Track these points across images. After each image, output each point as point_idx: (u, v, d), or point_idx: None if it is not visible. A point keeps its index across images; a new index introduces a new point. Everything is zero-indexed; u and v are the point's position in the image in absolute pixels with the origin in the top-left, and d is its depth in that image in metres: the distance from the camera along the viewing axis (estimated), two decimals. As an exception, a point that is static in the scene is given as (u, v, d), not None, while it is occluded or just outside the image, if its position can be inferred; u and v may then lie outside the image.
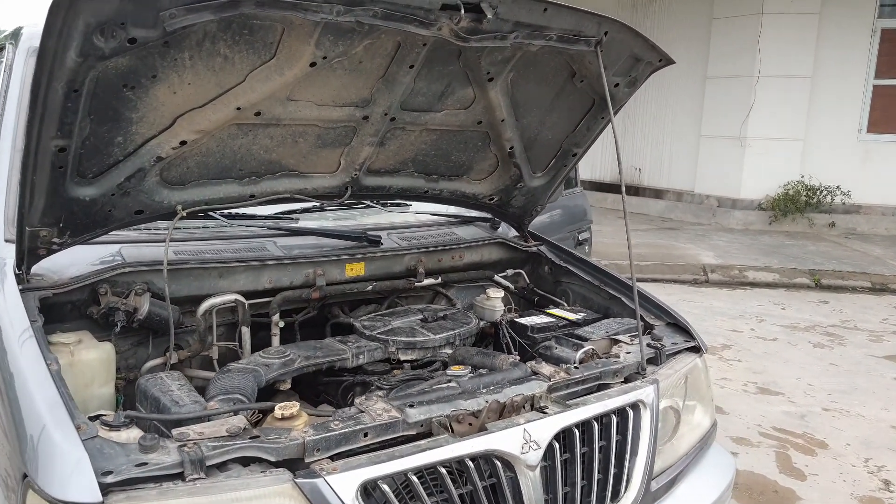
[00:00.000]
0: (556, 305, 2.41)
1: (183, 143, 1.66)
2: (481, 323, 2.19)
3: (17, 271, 1.68)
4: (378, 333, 1.97)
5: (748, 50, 9.83)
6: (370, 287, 2.19)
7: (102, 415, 1.38)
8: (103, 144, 1.55)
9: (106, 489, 1.13)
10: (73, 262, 1.77)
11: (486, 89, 1.94)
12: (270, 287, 2.00)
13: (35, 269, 1.71)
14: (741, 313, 6.17)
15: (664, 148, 11.50)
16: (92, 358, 1.65)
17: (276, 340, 2.02)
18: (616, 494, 1.63)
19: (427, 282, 2.29)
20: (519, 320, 2.16)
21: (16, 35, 2.39)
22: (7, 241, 1.83)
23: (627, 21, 1.83)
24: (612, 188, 12.10)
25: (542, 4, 1.67)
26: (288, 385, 1.83)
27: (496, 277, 2.50)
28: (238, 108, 1.64)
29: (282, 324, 2.02)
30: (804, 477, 3.30)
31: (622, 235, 9.34)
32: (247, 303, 1.93)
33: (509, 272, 2.55)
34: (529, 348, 2.07)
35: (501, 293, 2.31)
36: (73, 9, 1.22)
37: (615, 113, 2.19)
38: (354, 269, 2.13)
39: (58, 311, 1.71)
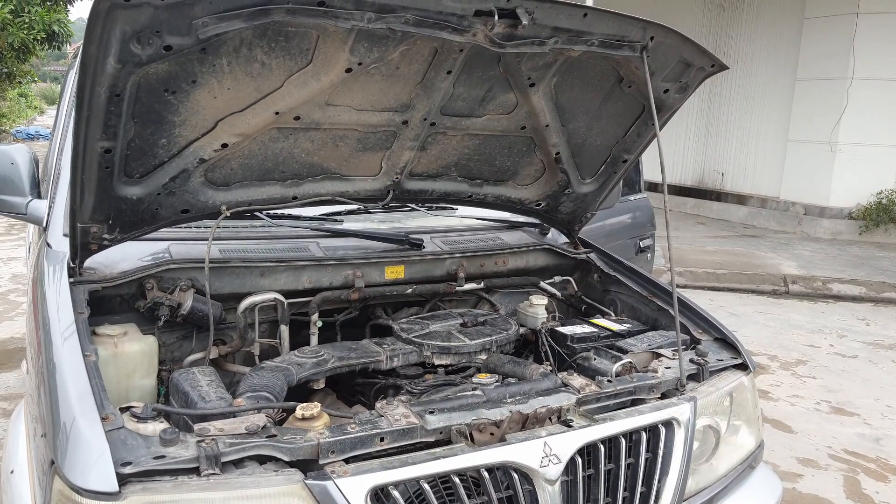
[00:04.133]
0: (603, 315, 2.34)
1: (224, 145, 1.71)
2: (522, 330, 2.16)
3: (70, 265, 1.78)
4: (414, 337, 1.97)
5: (842, 51, 9.28)
6: (410, 290, 2.20)
7: (133, 406, 1.44)
8: (148, 146, 1.62)
9: (124, 479, 1.17)
10: (125, 257, 1.87)
11: (528, 94, 1.91)
12: (310, 287, 2.04)
13: (90, 262, 1.81)
14: (821, 328, 5.83)
15: (749, 152, 11.01)
16: (134, 350, 1.73)
17: (314, 339, 2.05)
18: (642, 513, 1.57)
19: (468, 286, 2.28)
20: (559, 329, 2.12)
21: None
22: (65, 235, 1.95)
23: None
24: (693, 192, 11.70)
25: (581, 9, 1.63)
26: (322, 384, 1.86)
27: (542, 284, 2.46)
28: (277, 113, 1.68)
29: (320, 323, 2.06)
30: (873, 505, 3.10)
31: (700, 241, 9.02)
32: (286, 302, 1.97)
33: (557, 279, 2.51)
34: (567, 358, 2.03)
35: (545, 300, 2.27)
36: (110, 17, 1.29)
37: (667, 119, 2.12)
38: (394, 272, 2.15)
39: (108, 304, 1.81)
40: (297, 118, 1.74)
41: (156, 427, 1.35)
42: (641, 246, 3.95)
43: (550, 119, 2.02)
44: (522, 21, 1.56)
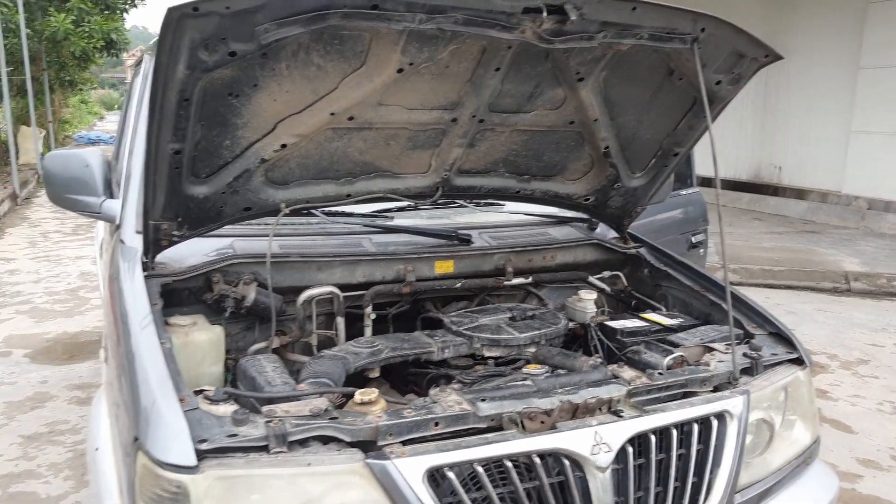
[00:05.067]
0: (654, 310, 2.34)
1: (284, 146, 1.79)
2: (571, 324, 2.19)
3: (143, 259, 1.90)
4: (464, 329, 2.02)
5: (909, 36, 8.91)
6: (458, 284, 2.25)
7: (205, 390, 1.53)
8: (213, 147, 1.72)
9: (201, 455, 1.27)
10: (192, 252, 1.97)
11: (576, 89, 1.94)
12: (364, 281, 2.12)
13: (161, 258, 1.93)
14: (885, 326, 5.63)
15: (808, 144, 10.66)
16: (203, 339, 1.83)
17: (368, 331, 2.13)
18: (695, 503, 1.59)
19: (516, 281, 2.32)
20: (609, 323, 2.13)
21: (153, 47, 2.67)
22: (137, 232, 2.07)
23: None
24: (748, 187, 11.40)
25: (630, 3, 1.65)
26: (376, 373, 1.93)
27: (590, 279, 2.48)
28: (332, 114, 1.76)
29: (373, 315, 2.13)
30: (940, 508, 3.01)
31: (756, 238, 8.79)
32: (342, 295, 2.05)
33: (606, 274, 2.52)
34: (618, 352, 2.04)
35: (594, 295, 2.29)
36: (180, 27, 1.38)
37: (720, 111, 2.11)
38: (443, 267, 2.20)
39: (177, 297, 1.92)
40: (350, 118, 1.81)
41: (227, 409, 1.44)
42: (693, 241, 3.90)
43: (599, 113, 2.04)
44: (570, 17, 1.58)
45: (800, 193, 10.75)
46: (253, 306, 1.96)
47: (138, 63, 4.07)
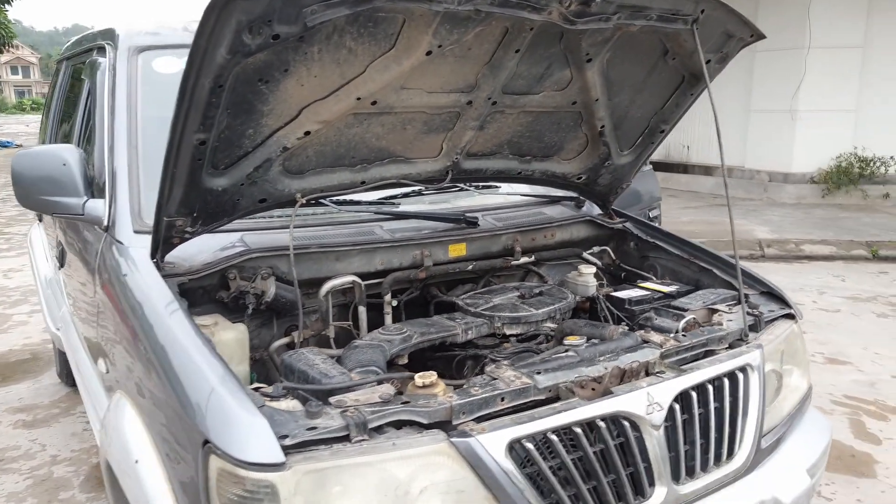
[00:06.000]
0: (645, 280, 2.46)
1: (307, 133, 1.75)
2: (577, 298, 2.26)
3: (152, 259, 1.81)
4: (483, 310, 2.05)
5: (798, 21, 9.62)
6: (470, 266, 2.28)
7: (259, 387, 1.49)
8: (236, 137, 1.66)
9: (285, 451, 1.23)
10: (202, 249, 1.89)
11: (583, 70, 2.00)
12: (382, 268, 2.10)
13: (168, 257, 1.84)
14: (801, 286, 6.11)
15: (712, 124, 11.29)
16: (230, 338, 1.77)
17: (388, 319, 2.12)
18: (731, 452, 1.70)
19: (523, 260, 2.37)
20: (614, 294, 2.22)
21: (109, 36, 2.51)
22: (136, 231, 1.97)
23: None
24: (661, 167, 11.88)
25: None
26: (405, 360, 1.92)
27: (584, 254, 2.56)
28: (358, 98, 1.73)
29: (394, 302, 2.12)
30: (879, 441, 3.34)
31: (675, 213, 9.27)
32: (363, 284, 2.03)
33: (595, 249, 2.61)
34: (628, 320, 2.13)
35: (593, 269, 2.37)
36: (228, 8, 1.32)
37: (703, 90, 2.24)
38: (456, 250, 2.22)
39: (190, 297, 1.83)
40: (374, 103, 1.79)
41: (288, 404, 1.41)
42: (650, 216, 4.09)
43: (600, 93, 2.12)
44: None
45: (707, 170, 11.42)
46: (273, 301, 1.91)
47: (69, 58, 3.81)
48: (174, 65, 2.34)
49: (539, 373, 1.56)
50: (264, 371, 1.99)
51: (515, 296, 2.19)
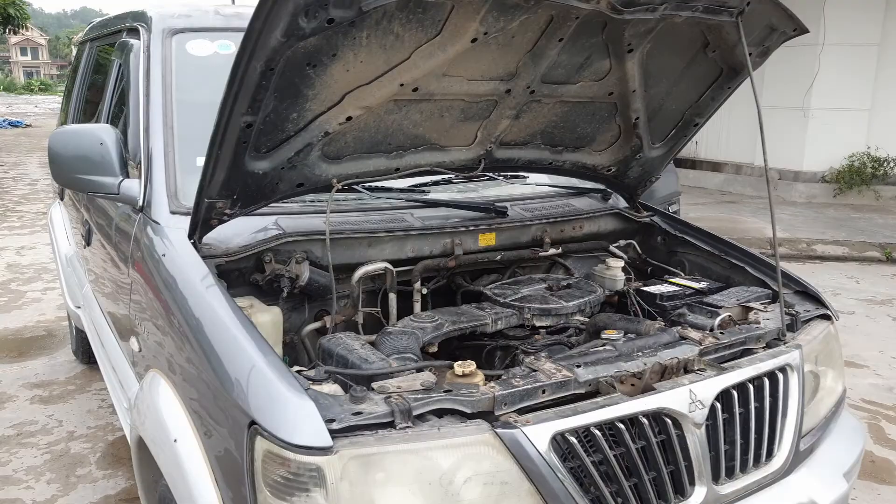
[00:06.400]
0: (673, 275, 2.44)
1: (349, 118, 1.74)
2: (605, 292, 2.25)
3: (190, 240, 1.80)
4: (512, 300, 2.04)
5: (812, 18, 9.51)
6: (499, 256, 2.27)
7: (300, 370, 1.49)
8: (280, 120, 1.65)
9: (331, 435, 1.23)
10: (238, 232, 1.89)
11: (623, 61, 1.98)
12: (412, 256, 2.10)
13: (205, 239, 1.83)
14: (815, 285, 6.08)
15: (722, 120, 11.22)
16: (266, 321, 1.76)
17: (417, 307, 2.11)
18: (770, 453, 1.69)
19: (551, 251, 2.36)
20: (645, 289, 2.21)
21: (142, 18, 2.49)
22: (172, 212, 1.96)
23: None
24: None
25: None
26: (435, 348, 1.92)
27: (611, 247, 2.55)
28: (401, 85, 1.72)
29: (425, 290, 2.11)
30: (900, 447, 3.32)
31: (683, 209, 9.15)
32: (394, 270, 2.02)
33: (621, 243, 2.60)
34: (658, 316, 2.12)
35: (621, 263, 2.36)
36: None
37: (740, 84, 2.22)
38: (486, 239, 2.21)
39: (225, 278, 1.83)
40: (415, 89, 1.77)
41: (330, 388, 1.40)
42: (670, 211, 4.07)
43: (638, 84, 2.10)
44: None
45: (716, 166, 11.37)
46: (307, 285, 1.90)
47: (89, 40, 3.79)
48: (207, 47, 2.33)
49: (579, 366, 1.55)
50: (293, 354, 1.99)
51: (543, 287, 2.18)
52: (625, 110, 2.21)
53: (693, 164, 11.71)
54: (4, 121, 21.21)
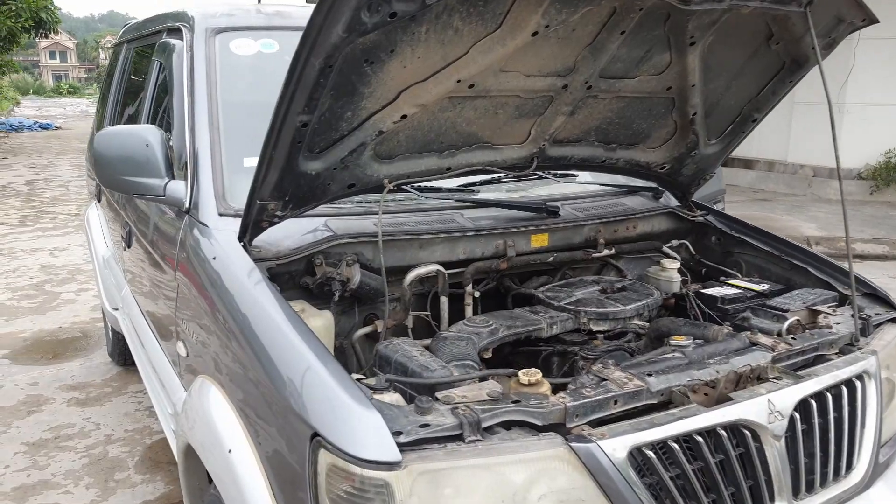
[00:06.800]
0: (730, 276, 2.35)
1: (403, 116, 1.68)
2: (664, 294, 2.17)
3: (240, 242, 1.76)
4: (567, 304, 1.97)
5: (850, 10, 9.30)
6: (551, 258, 2.19)
7: (360, 378, 1.43)
8: (335, 119, 1.59)
9: (399, 449, 1.17)
10: (288, 234, 1.84)
11: (684, 54, 1.90)
12: (464, 258, 2.03)
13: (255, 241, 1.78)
14: (857, 286, 5.92)
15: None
16: (318, 325, 1.71)
17: (469, 310, 2.05)
18: (849, 465, 1.60)
19: (605, 253, 2.28)
20: (705, 291, 2.12)
21: (183, 18, 2.46)
22: (221, 214, 1.92)
23: None
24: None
25: None
26: (489, 353, 1.85)
27: (664, 248, 2.46)
28: (458, 81, 1.65)
29: (476, 293, 2.05)
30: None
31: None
32: (447, 273, 1.96)
33: (674, 243, 2.51)
34: (720, 320, 2.03)
35: (677, 264, 2.28)
36: None
37: (802, 77, 2.12)
38: (539, 240, 2.14)
39: (275, 282, 1.78)
40: (471, 86, 1.71)
41: (391, 397, 1.35)
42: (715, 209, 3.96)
43: (698, 79, 2.01)
44: None
45: (747, 163, 11.15)
46: (358, 289, 1.85)
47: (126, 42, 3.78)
48: (251, 46, 2.30)
49: (650, 374, 1.48)
50: (342, 360, 1.93)
51: (597, 290, 2.10)
52: (682, 105, 2.12)
53: (724, 161, 11.48)
54: (35, 123, 21.55)
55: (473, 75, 1.67)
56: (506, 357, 2.00)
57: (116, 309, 3.43)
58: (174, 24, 2.57)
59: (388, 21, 1.36)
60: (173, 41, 2.53)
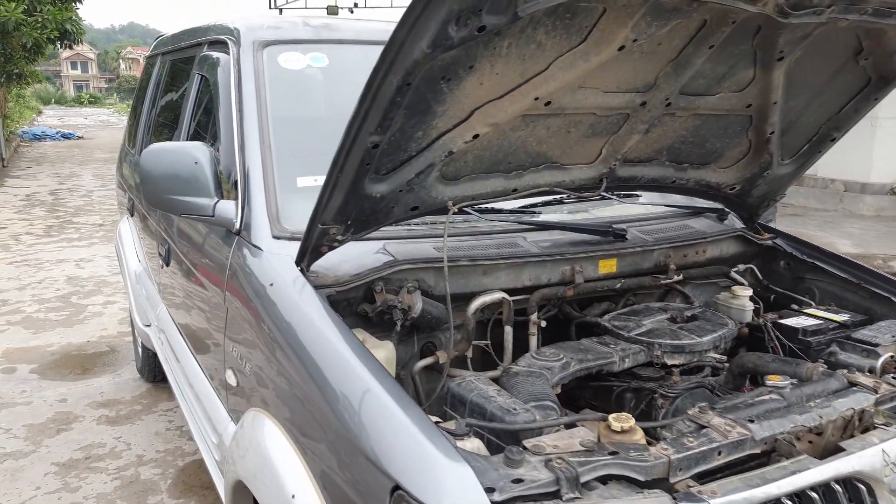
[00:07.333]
0: (801, 304, 2.21)
1: (475, 136, 1.57)
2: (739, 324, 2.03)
3: (297, 267, 1.66)
4: (637, 335, 1.84)
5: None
6: (619, 284, 2.07)
7: (437, 421, 1.31)
8: (405, 140, 1.49)
9: None
10: (346, 259, 1.73)
11: (770, 69, 1.78)
12: (529, 284, 1.91)
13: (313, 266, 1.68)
14: None
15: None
16: (381, 357, 1.59)
17: (533, 340, 1.93)
18: (967, 522, 1.46)
19: (675, 279, 2.15)
20: (783, 321, 1.99)
21: (227, 31, 2.38)
22: (275, 237, 1.82)
23: None
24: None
25: None
26: (559, 389, 1.73)
27: (732, 273, 2.33)
28: (535, 99, 1.54)
29: (543, 323, 1.93)
30: None
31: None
32: (511, 300, 1.85)
33: (741, 268, 2.37)
34: (800, 353, 1.90)
35: (749, 291, 2.14)
36: None
37: (887, 94, 1.99)
38: (607, 266, 2.02)
39: (334, 310, 1.68)
40: (548, 103, 1.60)
41: (473, 444, 1.23)
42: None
43: (780, 96, 1.89)
44: None
45: (776, 177, 10.95)
46: (420, 317, 1.73)
47: (162, 53, 3.72)
48: (300, 60, 2.20)
49: (752, 420, 1.35)
50: None
51: (665, 318, 1.98)
52: (760, 123, 2.00)
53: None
54: (58, 133, 21.75)
55: (551, 92, 1.56)
56: (570, 391, 1.87)
57: (148, 325, 3.34)
58: (217, 37, 2.49)
59: (476, 35, 1.25)
60: (216, 54, 2.44)
